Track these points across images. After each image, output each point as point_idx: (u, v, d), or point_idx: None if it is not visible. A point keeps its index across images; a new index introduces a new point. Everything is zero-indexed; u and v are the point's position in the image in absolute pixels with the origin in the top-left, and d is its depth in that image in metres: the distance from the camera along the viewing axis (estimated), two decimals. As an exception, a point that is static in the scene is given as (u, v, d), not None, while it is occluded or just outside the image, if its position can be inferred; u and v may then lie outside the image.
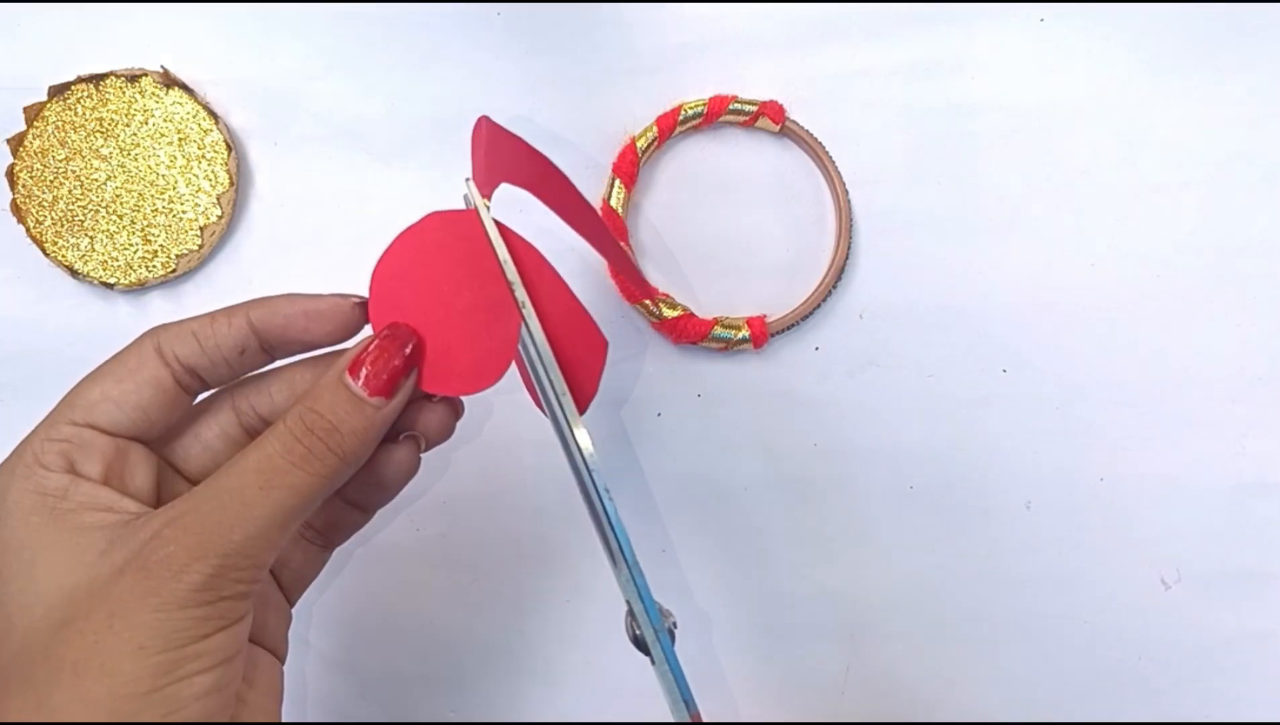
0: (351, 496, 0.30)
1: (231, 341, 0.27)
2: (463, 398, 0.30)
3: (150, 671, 0.22)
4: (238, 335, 0.27)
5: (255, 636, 0.28)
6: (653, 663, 0.27)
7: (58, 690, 0.22)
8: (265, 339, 0.27)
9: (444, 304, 0.28)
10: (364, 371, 0.26)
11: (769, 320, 0.39)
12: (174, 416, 0.27)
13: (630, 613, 0.27)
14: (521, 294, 0.28)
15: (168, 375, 0.26)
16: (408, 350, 0.27)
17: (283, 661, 0.30)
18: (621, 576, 0.27)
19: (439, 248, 0.28)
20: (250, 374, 0.29)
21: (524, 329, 0.28)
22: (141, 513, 0.25)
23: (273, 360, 0.28)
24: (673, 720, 0.27)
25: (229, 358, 0.27)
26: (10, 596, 0.23)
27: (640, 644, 0.27)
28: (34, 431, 0.26)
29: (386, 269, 0.28)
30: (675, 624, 0.27)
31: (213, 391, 0.29)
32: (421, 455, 0.30)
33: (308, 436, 0.25)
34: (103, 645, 0.22)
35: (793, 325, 0.40)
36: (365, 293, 0.28)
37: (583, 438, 0.27)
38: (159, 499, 0.27)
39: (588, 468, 0.27)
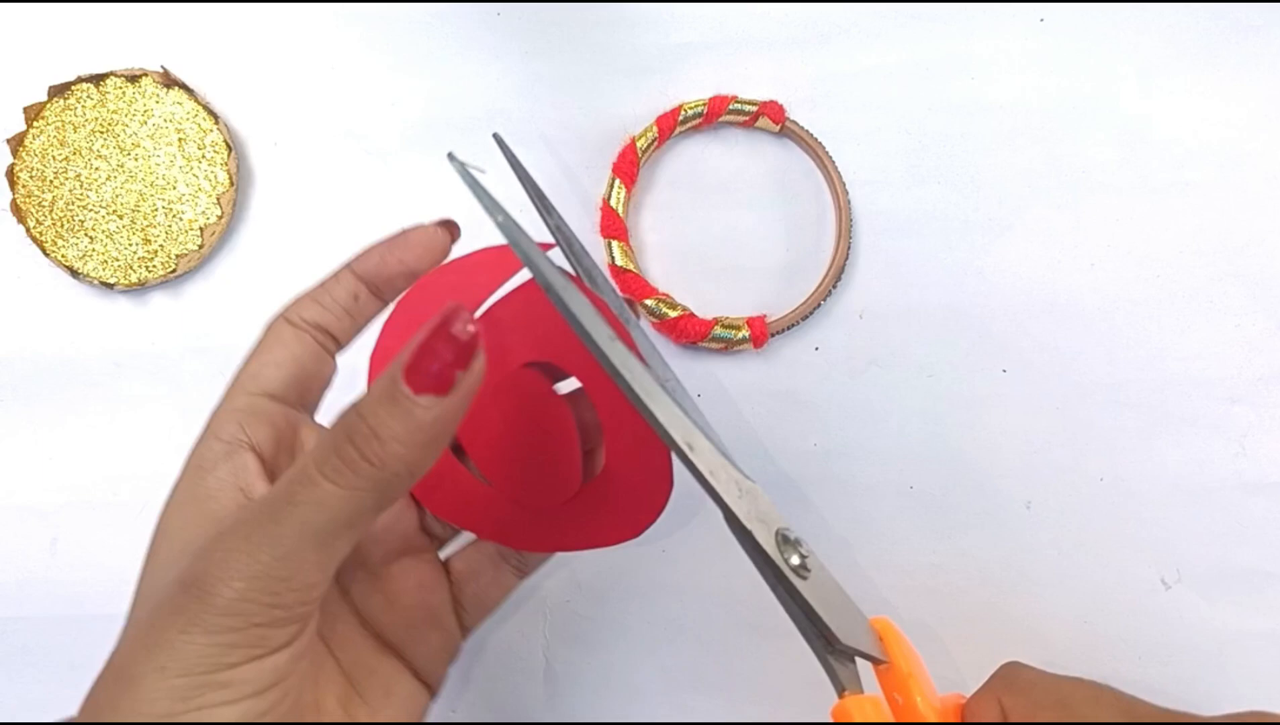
0: None
1: (343, 293, 0.28)
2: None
3: (166, 695, 0.20)
4: (346, 286, 0.28)
5: (409, 659, 0.27)
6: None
7: (103, 693, 0.22)
8: (369, 281, 0.28)
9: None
10: (410, 364, 0.21)
11: (769, 320, 0.39)
12: (325, 373, 0.28)
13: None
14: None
15: (304, 335, 0.27)
16: (463, 334, 0.21)
17: (433, 695, 0.27)
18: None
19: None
20: None
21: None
22: None
23: (386, 302, 0.29)
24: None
25: (347, 307, 0.28)
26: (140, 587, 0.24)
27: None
28: (216, 409, 0.26)
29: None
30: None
31: None
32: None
33: (345, 445, 0.21)
34: (136, 659, 0.21)
35: (793, 325, 0.40)
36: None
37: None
38: None
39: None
